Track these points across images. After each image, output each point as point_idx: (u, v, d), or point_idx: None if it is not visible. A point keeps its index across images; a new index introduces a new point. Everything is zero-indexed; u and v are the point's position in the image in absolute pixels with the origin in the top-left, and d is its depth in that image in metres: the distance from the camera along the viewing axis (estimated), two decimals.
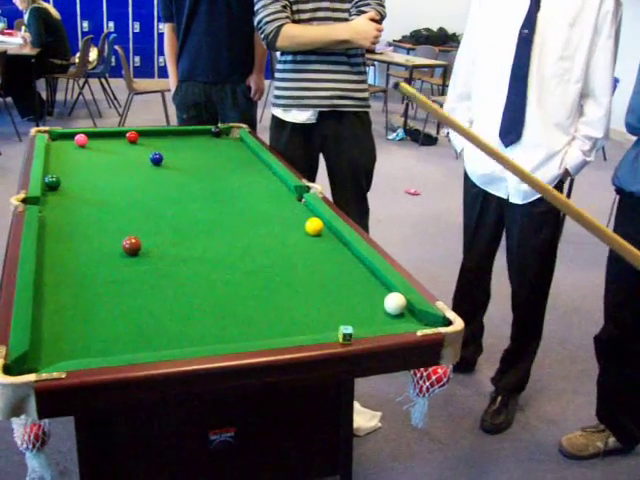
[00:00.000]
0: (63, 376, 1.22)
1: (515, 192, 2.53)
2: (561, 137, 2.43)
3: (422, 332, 1.44)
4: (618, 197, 2.35)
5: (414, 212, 5.19)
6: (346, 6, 2.75)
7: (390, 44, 9.38)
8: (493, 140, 2.49)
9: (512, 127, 2.42)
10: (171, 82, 3.52)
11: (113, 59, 8.21)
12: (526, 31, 2.34)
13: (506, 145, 2.46)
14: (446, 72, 7.89)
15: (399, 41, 9.79)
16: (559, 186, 2.53)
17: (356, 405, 2.57)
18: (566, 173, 2.48)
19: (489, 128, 2.48)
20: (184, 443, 1.59)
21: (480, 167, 2.58)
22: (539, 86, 2.36)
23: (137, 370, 1.27)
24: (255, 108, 3.59)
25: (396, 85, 1.46)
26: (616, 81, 2.84)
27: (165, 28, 3.47)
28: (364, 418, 2.59)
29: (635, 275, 2.29)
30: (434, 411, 2.75)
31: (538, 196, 2.49)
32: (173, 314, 1.54)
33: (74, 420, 1.46)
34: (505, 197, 2.56)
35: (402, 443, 2.58)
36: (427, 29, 9.88)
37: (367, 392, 2.76)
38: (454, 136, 2.75)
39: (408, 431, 2.62)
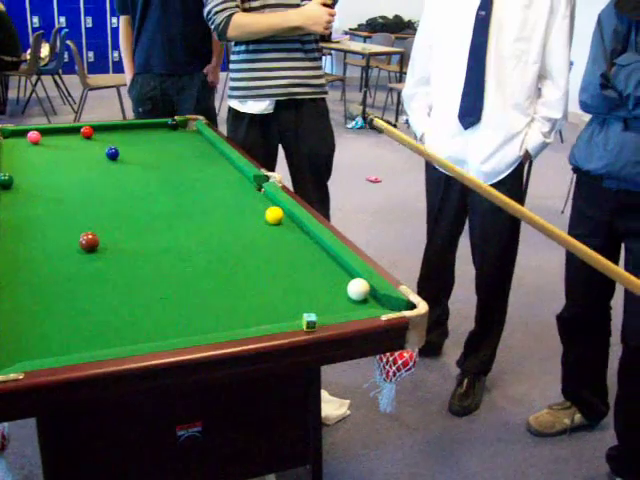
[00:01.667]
0: (21, 377, 1.19)
1: (475, 175, 2.53)
2: (520, 118, 2.44)
3: (386, 317, 1.43)
4: (575, 176, 2.37)
5: (375, 199, 5.19)
6: None
7: (346, 33, 9.36)
8: (453, 123, 2.49)
9: (471, 109, 2.43)
10: (127, 75, 3.46)
11: (66, 55, 8.07)
12: (483, 12, 2.34)
13: (465, 127, 2.46)
14: (403, 59, 7.91)
15: (355, 29, 9.78)
16: (519, 168, 2.55)
17: (324, 394, 2.57)
18: (526, 155, 2.50)
19: (449, 111, 2.49)
20: (151, 440, 1.57)
21: (441, 151, 2.58)
22: (497, 68, 2.37)
23: (97, 367, 1.23)
24: (213, 99, 3.54)
25: (371, 121, 1.45)
26: (571, 64, 2.84)
27: (120, 21, 3.42)
28: (333, 407, 2.58)
29: None
30: (402, 396, 2.76)
31: (499, 179, 2.51)
32: (133, 309, 1.51)
33: (36, 422, 1.43)
34: None
35: (372, 430, 2.58)
36: (383, 17, 9.89)
37: (335, 380, 2.76)
38: (414, 121, 2.74)
39: (377, 417, 2.62)
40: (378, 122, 1.43)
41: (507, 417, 2.73)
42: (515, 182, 2.57)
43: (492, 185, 2.50)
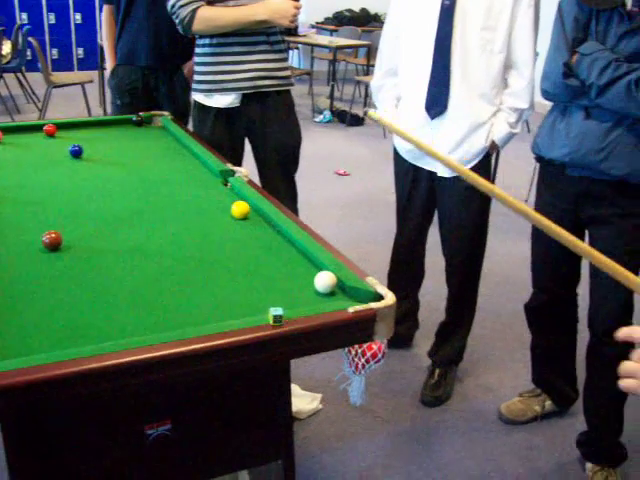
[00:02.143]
0: None
1: (441, 165, 2.54)
2: (486, 108, 2.45)
3: (353, 309, 1.43)
4: (538, 165, 2.39)
5: (344, 192, 5.19)
6: None
7: (313, 26, 9.34)
8: (419, 113, 2.50)
9: (437, 99, 2.44)
10: (108, 65, 3.43)
11: (29, 52, 7.94)
12: (447, 2, 2.35)
13: (432, 117, 2.47)
14: (370, 52, 7.91)
15: (322, 23, 9.75)
16: (487, 158, 2.56)
17: (296, 389, 2.56)
18: (493, 145, 2.50)
19: (416, 102, 2.50)
20: (120, 439, 1.54)
21: (408, 142, 2.59)
22: (462, 57, 2.37)
23: (61, 368, 1.21)
24: (188, 96, 3.52)
25: (365, 113, 1.43)
26: (536, 54, 2.85)
27: (104, 10, 3.39)
28: (304, 401, 2.58)
29: (557, 243, 2.34)
30: (374, 388, 2.76)
31: (467, 168, 2.51)
32: (98, 308, 1.48)
33: (0, 425, 1.40)
34: (434, 171, 2.57)
35: (344, 423, 2.58)
36: (349, 10, 9.87)
37: (306, 374, 2.75)
38: (382, 114, 2.74)
39: (349, 410, 2.62)
40: (372, 115, 1.42)
41: (479, 406, 2.75)
42: (482, 172, 2.57)
43: (460, 175, 2.51)
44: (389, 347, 2.87)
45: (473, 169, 2.52)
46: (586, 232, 2.30)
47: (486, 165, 2.57)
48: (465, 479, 2.36)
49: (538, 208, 2.40)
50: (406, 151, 2.64)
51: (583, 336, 2.45)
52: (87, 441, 1.50)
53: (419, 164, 2.61)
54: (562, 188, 2.27)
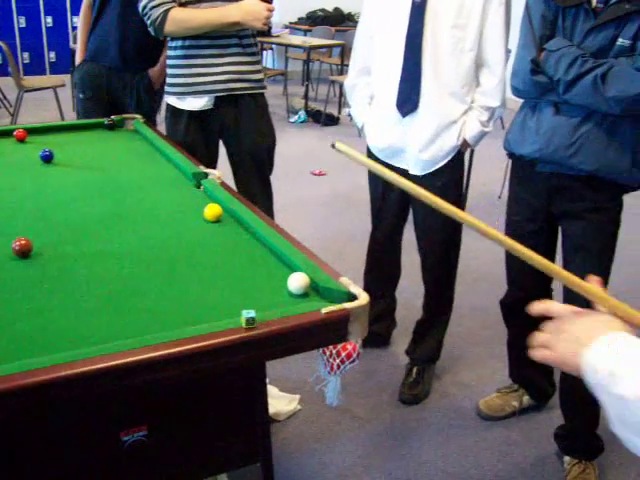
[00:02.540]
0: None
1: (414, 164, 2.55)
2: (457, 106, 2.46)
3: (326, 309, 1.42)
4: (510, 161, 2.40)
5: (320, 192, 5.19)
6: None
7: (287, 26, 9.33)
8: (391, 111, 2.50)
9: (408, 97, 2.44)
10: (78, 57, 3.42)
11: None
12: (418, 0, 2.35)
13: (403, 115, 2.48)
14: (344, 52, 7.92)
15: (295, 23, 9.74)
16: (459, 157, 2.56)
17: (274, 390, 2.56)
18: (465, 144, 2.51)
19: (388, 100, 2.50)
20: (95, 447, 1.53)
21: (380, 140, 2.60)
22: (433, 55, 2.38)
23: (31, 376, 1.20)
24: (153, 100, 3.50)
25: (332, 145, 1.45)
26: (508, 51, 2.89)
27: (84, 2, 3.39)
28: (283, 402, 2.57)
29: (530, 239, 2.35)
30: (353, 388, 2.77)
31: (437, 167, 2.52)
32: (70, 314, 1.47)
33: None
34: (406, 169, 2.58)
35: (323, 423, 2.58)
36: (323, 10, 9.87)
37: (284, 376, 2.75)
38: (355, 112, 2.74)
39: (328, 411, 2.62)
40: (340, 147, 1.43)
41: (457, 403, 2.76)
42: (455, 170, 2.59)
43: (432, 173, 2.53)
44: (367, 346, 2.90)
45: (445, 167, 2.53)
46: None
47: (458, 163, 2.58)
48: (444, 476, 2.37)
49: (511, 204, 2.42)
50: (379, 150, 2.64)
51: None
52: (62, 449, 1.48)
53: (391, 162, 2.61)
54: (534, 184, 2.28)
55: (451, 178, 2.56)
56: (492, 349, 3.13)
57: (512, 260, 2.48)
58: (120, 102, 3.35)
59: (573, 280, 1.03)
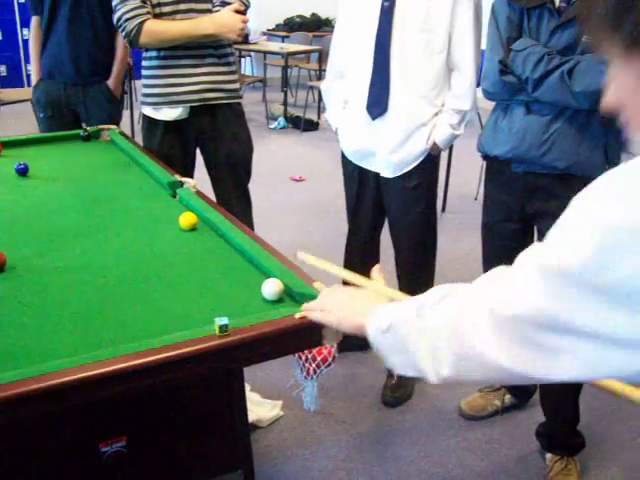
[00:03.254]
0: None
1: (384, 166, 2.57)
2: (427, 109, 2.47)
3: (299, 314, 1.43)
4: (485, 163, 2.42)
5: (300, 198, 5.19)
6: None
7: (264, 33, 9.34)
8: (362, 114, 2.52)
9: (378, 100, 2.46)
10: (33, 77, 3.40)
11: None
12: (387, 3, 2.37)
13: (373, 118, 2.49)
14: (322, 57, 7.93)
15: (273, 30, 9.75)
16: (432, 159, 2.57)
17: (256, 397, 2.56)
18: (435, 147, 2.52)
19: (358, 102, 2.52)
20: (73, 459, 1.53)
21: (353, 143, 2.62)
22: (401, 58, 2.40)
23: (3, 390, 1.20)
24: (120, 111, 3.50)
25: (295, 255, 1.50)
26: (483, 53, 2.90)
27: (32, 21, 3.36)
28: (265, 409, 2.57)
29: (507, 239, 2.37)
30: (335, 392, 2.77)
31: (408, 169, 2.54)
32: (44, 327, 1.47)
33: None
34: (378, 171, 2.60)
35: (306, 428, 2.58)
36: (300, 16, 9.88)
37: (265, 382, 2.74)
38: (330, 116, 2.75)
39: (311, 416, 2.62)
40: (306, 259, 1.50)
41: (439, 404, 2.77)
42: (426, 173, 2.59)
43: (403, 175, 2.54)
44: (348, 350, 2.89)
45: (416, 170, 2.54)
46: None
47: (431, 165, 2.59)
48: (427, 477, 2.37)
49: (487, 205, 2.44)
50: (351, 152, 2.66)
51: None
52: (40, 460, 1.48)
53: (363, 165, 2.63)
54: (508, 184, 2.30)
55: (423, 180, 2.57)
56: None
57: (489, 259, 2.49)
58: (81, 116, 3.36)
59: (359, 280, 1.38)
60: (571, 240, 0.79)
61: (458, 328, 0.98)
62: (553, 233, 0.84)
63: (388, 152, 2.51)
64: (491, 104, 2.31)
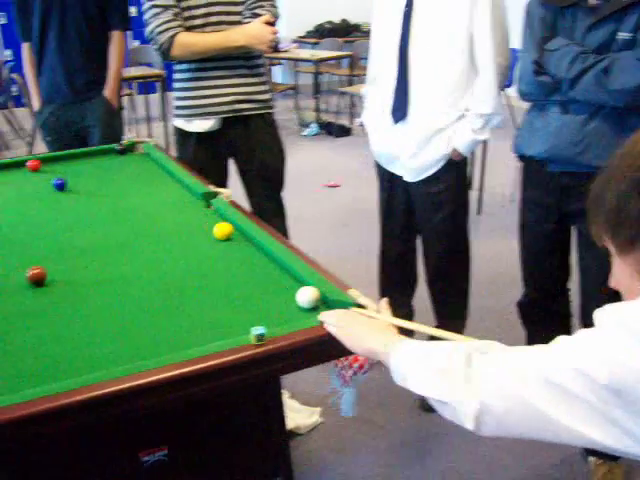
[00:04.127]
0: None
1: (406, 170, 2.56)
2: (448, 113, 2.45)
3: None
4: (522, 164, 2.40)
5: (335, 204, 5.20)
6: (239, 9, 2.73)
7: (295, 41, 9.37)
8: (387, 118, 2.54)
9: (399, 104, 2.47)
10: (34, 102, 3.46)
11: (14, 88, 7.97)
12: (407, 8, 2.38)
13: (395, 122, 2.50)
14: (352, 62, 7.95)
15: (303, 37, 9.79)
16: (457, 163, 2.54)
17: (294, 404, 2.57)
18: (456, 153, 2.50)
19: (385, 107, 2.53)
20: (114, 468, 1.55)
21: (379, 146, 2.62)
22: (421, 63, 2.41)
23: (47, 402, 1.22)
24: (119, 121, 3.55)
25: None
26: (514, 51, 2.87)
27: (23, 48, 3.42)
28: (304, 416, 2.58)
29: (544, 239, 2.35)
30: (372, 398, 2.77)
31: (428, 174, 2.53)
32: (83, 340, 1.50)
33: None
34: (401, 175, 2.60)
35: (344, 435, 2.58)
36: (330, 22, 9.91)
37: (304, 389, 2.75)
38: (364, 119, 2.76)
39: (349, 422, 2.62)
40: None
41: None
42: (450, 178, 2.56)
43: (425, 180, 2.53)
44: None
45: (438, 174, 2.53)
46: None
47: (455, 170, 2.56)
48: None
49: (523, 206, 2.42)
50: (378, 155, 2.67)
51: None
52: (82, 471, 1.50)
53: (390, 169, 2.63)
54: (545, 184, 2.28)
55: (447, 186, 2.55)
56: None
57: (528, 261, 2.47)
58: (83, 133, 3.42)
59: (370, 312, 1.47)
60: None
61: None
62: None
63: (408, 156, 2.51)
64: (525, 104, 2.30)
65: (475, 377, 1.06)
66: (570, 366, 0.94)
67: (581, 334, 0.99)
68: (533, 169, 2.32)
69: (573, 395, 0.93)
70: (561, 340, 1.02)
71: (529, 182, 2.38)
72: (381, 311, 1.48)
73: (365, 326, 1.39)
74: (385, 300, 1.51)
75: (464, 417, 1.06)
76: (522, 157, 2.34)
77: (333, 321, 1.41)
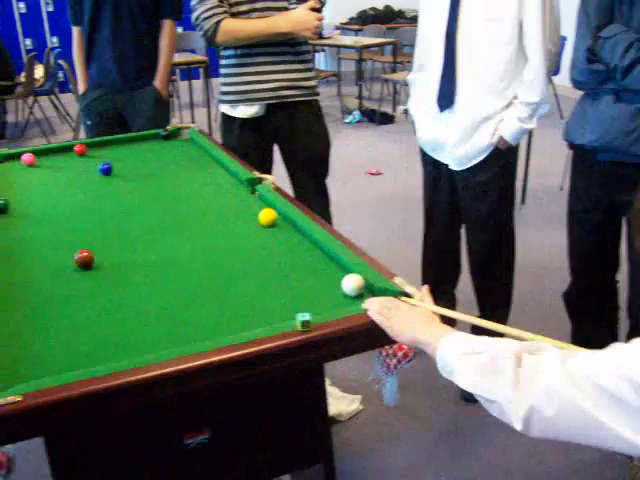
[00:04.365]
0: (18, 399, 1.19)
1: (451, 158, 2.53)
2: (495, 102, 2.41)
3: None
4: (571, 152, 2.36)
5: (378, 192, 5.18)
6: None
7: (337, 27, 9.34)
8: (434, 106, 2.51)
9: (445, 92, 2.44)
10: (80, 86, 3.49)
11: (60, 74, 8.09)
12: None
13: (441, 110, 2.47)
14: (396, 49, 7.89)
15: (346, 24, 9.74)
16: (500, 154, 2.50)
17: (335, 391, 2.57)
18: (502, 141, 2.45)
19: (432, 95, 2.51)
20: (159, 450, 1.57)
21: (425, 133, 2.60)
22: (468, 50, 2.37)
23: (95, 384, 1.24)
24: (166, 111, 3.57)
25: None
26: (564, 39, 2.83)
27: (73, 32, 3.44)
28: (344, 403, 2.58)
29: (593, 230, 2.31)
30: (414, 387, 2.75)
31: (473, 163, 2.49)
32: (130, 323, 1.51)
33: (43, 440, 1.43)
34: (446, 163, 2.57)
35: (385, 423, 2.58)
36: (373, 8, 9.84)
37: (345, 376, 2.75)
38: (410, 107, 2.73)
39: (389, 410, 2.61)
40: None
41: None
42: (495, 167, 2.50)
43: (470, 169, 2.50)
44: None
45: (484, 164, 2.49)
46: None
47: (501, 160, 2.50)
48: (507, 475, 2.34)
49: (572, 195, 2.38)
50: (424, 143, 2.64)
51: (627, 323, 2.41)
52: (127, 451, 1.52)
53: (435, 156, 2.60)
54: (595, 174, 2.24)
55: (492, 175, 2.50)
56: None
57: (576, 251, 2.43)
58: (128, 120, 3.44)
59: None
60: None
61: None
62: None
63: (453, 144, 2.48)
64: (572, 92, 2.25)
65: (525, 379, 1.05)
66: (623, 373, 0.93)
67: (636, 342, 0.98)
68: (583, 158, 2.28)
69: (624, 403, 0.92)
70: (615, 346, 1.01)
71: (578, 171, 2.34)
72: (423, 299, 1.48)
73: (409, 315, 1.38)
74: (426, 287, 1.51)
75: (513, 417, 1.06)
76: (572, 145, 2.30)
77: (376, 308, 1.41)
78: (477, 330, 2.89)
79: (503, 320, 2.79)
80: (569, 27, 2.43)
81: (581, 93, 2.27)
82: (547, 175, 5.12)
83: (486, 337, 1.20)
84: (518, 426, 1.05)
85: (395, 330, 1.36)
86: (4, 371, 1.34)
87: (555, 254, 3.86)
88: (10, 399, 1.19)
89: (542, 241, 4.08)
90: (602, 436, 0.96)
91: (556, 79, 5.10)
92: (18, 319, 1.55)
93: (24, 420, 1.21)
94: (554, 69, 2.50)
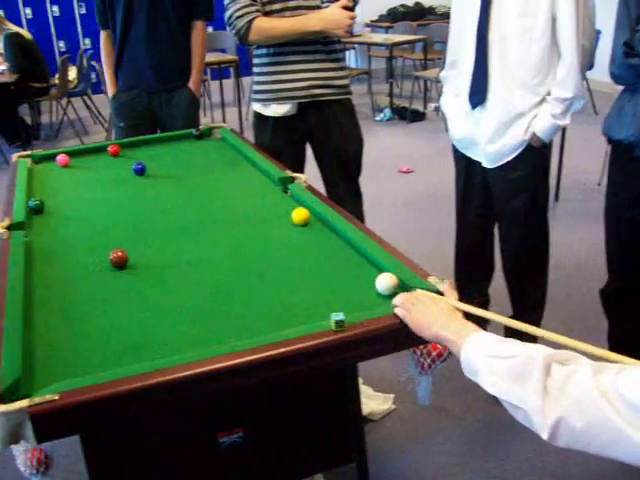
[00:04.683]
0: (56, 398, 1.21)
1: (484, 156, 2.51)
2: (528, 98, 2.37)
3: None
4: (610, 147, 2.33)
5: (409, 189, 5.16)
6: None
7: (368, 25, 9.31)
8: (466, 103, 2.49)
9: (477, 88, 2.42)
10: (109, 89, 3.50)
11: (93, 75, 8.18)
12: None
13: (473, 107, 2.45)
14: (426, 46, 7.84)
15: (376, 21, 9.71)
16: (533, 151, 2.47)
17: (368, 390, 2.56)
18: (535, 138, 2.42)
19: (463, 91, 2.48)
20: (193, 448, 1.58)
21: (457, 131, 2.58)
22: (500, 46, 2.34)
23: (130, 383, 1.25)
24: (197, 111, 3.57)
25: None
26: (598, 33, 2.78)
27: (102, 35, 3.46)
28: (377, 402, 2.57)
29: (630, 226, 2.28)
30: (447, 386, 2.73)
31: (506, 160, 2.46)
32: (164, 322, 1.52)
33: (80, 438, 1.45)
34: (479, 160, 2.55)
35: (418, 422, 2.56)
36: (403, 5, 9.80)
37: (378, 375, 2.74)
38: (443, 104, 2.71)
39: (422, 410, 2.60)
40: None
41: None
42: (529, 165, 2.47)
43: (503, 166, 2.47)
44: None
45: (517, 161, 2.45)
46: None
47: (534, 157, 2.46)
48: (544, 474, 2.31)
49: (610, 191, 2.35)
50: (456, 140, 2.62)
51: None
52: (162, 449, 1.54)
53: (467, 154, 2.58)
54: (632, 169, 2.21)
55: (525, 173, 2.46)
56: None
57: (613, 248, 2.40)
58: (163, 121, 3.45)
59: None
60: None
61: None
62: None
63: (485, 142, 2.45)
64: (607, 87, 2.22)
65: (555, 389, 1.05)
66: None
67: None
68: (620, 153, 2.24)
69: None
70: None
71: (616, 166, 2.30)
72: (446, 294, 1.47)
73: (431, 309, 1.38)
74: (449, 282, 1.51)
75: (539, 426, 1.05)
76: (610, 140, 2.27)
77: (400, 303, 1.41)
78: (509, 330, 2.87)
79: (537, 319, 2.76)
80: (604, 21, 2.39)
81: (615, 88, 2.24)
82: (581, 172, 5.06)
83: (514, 340, 1.18)
84: (544, 435, 1.04)
85: (418, 325, 1.36)
86: (42, 370, 1.35)
87: (588, 251, 3.82)
88: (48, 397, 1.21)
89: (576, 238, 4.03)
90: (632, 453, 0.95)
91: (590, 74, 5.03)
92: (55, 319, 1.57)
93: (61, 418, 1.23)
94: (588, 65, 2.46)
